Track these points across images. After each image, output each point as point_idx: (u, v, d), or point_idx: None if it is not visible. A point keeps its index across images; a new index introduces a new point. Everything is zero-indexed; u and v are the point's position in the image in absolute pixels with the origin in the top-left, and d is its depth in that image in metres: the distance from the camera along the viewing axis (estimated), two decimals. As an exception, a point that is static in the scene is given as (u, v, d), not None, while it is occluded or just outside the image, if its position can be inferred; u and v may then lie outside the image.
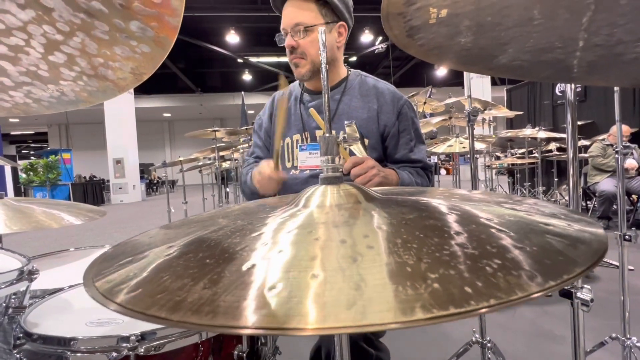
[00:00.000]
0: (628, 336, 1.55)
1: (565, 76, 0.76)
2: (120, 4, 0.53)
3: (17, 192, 10.26)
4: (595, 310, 1.51)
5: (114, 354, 0.72)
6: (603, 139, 4.70)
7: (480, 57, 0.65)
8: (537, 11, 0.52)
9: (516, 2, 0.51)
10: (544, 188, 6.49)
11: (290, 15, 1.17)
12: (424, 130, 4.21)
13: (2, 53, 0.61)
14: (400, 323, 0.26)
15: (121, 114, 12.28)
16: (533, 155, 5.75)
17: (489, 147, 5.83)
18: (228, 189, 7.00)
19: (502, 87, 9.42)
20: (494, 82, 13.52)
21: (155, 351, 0.75)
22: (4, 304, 0.84)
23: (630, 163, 4.21)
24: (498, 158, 7.17)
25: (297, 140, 1.29)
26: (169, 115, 21.48)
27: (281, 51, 1.26)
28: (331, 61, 1.25)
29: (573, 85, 0.96)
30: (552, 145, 5.70)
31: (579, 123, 3.23)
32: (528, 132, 4.64)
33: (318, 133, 1.26)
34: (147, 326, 0.76)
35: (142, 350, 0.74)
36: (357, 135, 0.88)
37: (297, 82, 1.39)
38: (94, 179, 15.39)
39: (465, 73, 9.61)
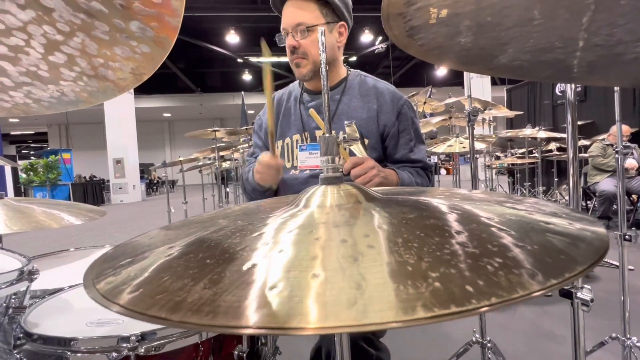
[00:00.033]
0: (628, 336, 1.55)
1: (565, 76, 0.76)
2: (121, 4, 0.53)
3: (17, 192, 10.27)
4: (595, 310, 1.50)
5: (114, 354, 0.72)
6: (603, 139, 4.70)
7: (480, 57, 0.65)
8: (537, 11, 0.52)
9: (516, 2, 0.51)
10: (544, 188, 6.50)
11: (291, 15, 1.17)
12: (424, 130, 4.22)
13: (2, 53, 0.61)
14: (401, 322, 0.26)
15: (121, 114, 12.28)
16: (533, 155, 5.76)
17: (489, 147, 5.83)
18: (228, 189, 7.00)
19: (502, 87, 9.42)
20: (494, 82, 13.53)
21: (155, 351, 0.75)
22: (4, 304, 0.84)
23: (630, 163, 4.21)
24: (498, 158, 7.18)
25: (297, 141, 1.29)
26: (169, 115, 21.48)
27: (281, 51, 1.26)
28: (331, 61, 1.25)
29: (573, 85, 0.96)
30: (552, 145, 5.71)
31: (579, 123, 3.23)
32: (528, 132, 4.65)
33: (318, 133, 1.25)
34: (147, 326, 0.76)
35: (142, 350, 0.74)
36: (357, 135, 0.88)
37: (296, 82, 1.39)
38: (94, 179, 15.39)
39: (465, 73, 9.62)
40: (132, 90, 11.42)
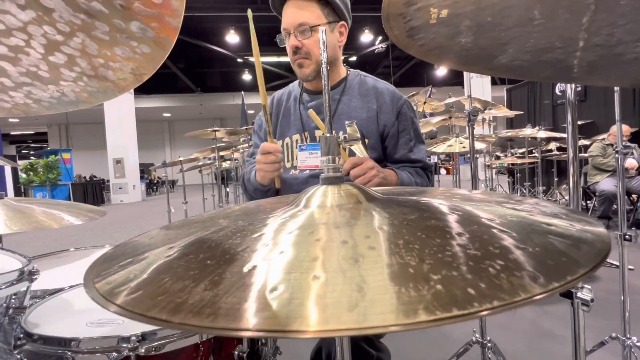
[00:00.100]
0: (628, 336, 1.55)
1: (566, 76, 0.75)
2: (121, 4, 0.52)
3: (17, 192, 10.26)
4: (596, 310, 1.51)
5: (115, 354, 0.72)
6: (603, 139, 4.70)
7: (480, 57, 0.65)
8: (538, 11, 0.51)
9: (517, 3, 0.51)
10: (544, 188, 6.50)
11: (292, 16, 1.16)
12: (424, 130, 4.21)
13: (2, 53, 0.61)
14: (402, 325, 0.26)
15: (121, 114, 12.28)
16: (533, 155, 5.76)
17: (489, 147, 5.82)
18: (228, 189, 7.00)
19: (502, 87, 9.41)
20: (494, 82, 13.52)
21: (155, 351, 0.75)
22: (5, 305, 0.84)
23: (630, 163, 4.21)
24: (498, 158, 7.18)
25: (296, 141, 1.29)
26: (169, 115, 21.47)
27: (281, 51, 1.26)
28: (332, 61, 1.25)
29: (573, 85, 0.96)
30: (552, 145, 5.71)
31: (579, 123, 3.23)
32: (528, 131, 4.65)
33: (317, 133, 1.25)
34: (148, 326, 0.76)
35: (143, 350, 0.74)
36: (359, 135, 0.88)
37: (296, 82, 1.39)
38: (94, 179, 15.38)
39: (465, 73, 9.62)
40: (132, 90, 11.41)
